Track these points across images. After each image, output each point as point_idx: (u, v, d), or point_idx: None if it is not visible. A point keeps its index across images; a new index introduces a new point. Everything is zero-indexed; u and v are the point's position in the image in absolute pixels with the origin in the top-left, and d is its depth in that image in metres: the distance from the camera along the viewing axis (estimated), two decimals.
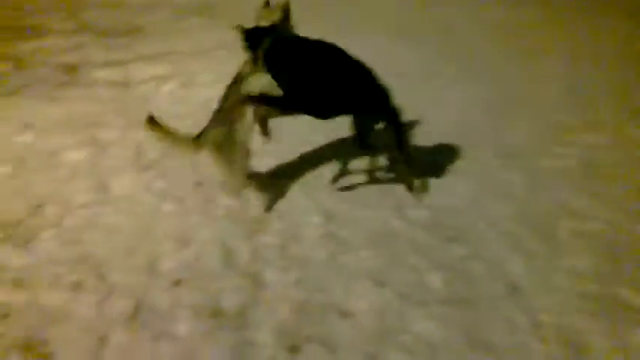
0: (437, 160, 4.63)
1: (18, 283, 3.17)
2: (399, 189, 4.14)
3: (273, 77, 3.31)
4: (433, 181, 4.28)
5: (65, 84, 6.46)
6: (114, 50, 7.81)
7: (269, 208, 3.90)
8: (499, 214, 3.95)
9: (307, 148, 4.79)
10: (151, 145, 4.46)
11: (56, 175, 4.37)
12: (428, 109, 5.58)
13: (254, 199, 3.97)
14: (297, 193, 4.14)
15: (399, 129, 3.64)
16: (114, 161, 4.60)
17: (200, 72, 6.81)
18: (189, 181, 4.26)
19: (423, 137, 4.98)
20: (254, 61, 3.38)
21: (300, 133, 4.85)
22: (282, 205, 3.99)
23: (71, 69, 6.99)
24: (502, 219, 3.89)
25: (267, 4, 3.54)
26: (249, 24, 3.52)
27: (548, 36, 8.99)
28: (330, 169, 4.41)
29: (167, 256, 3.45)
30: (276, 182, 4.23)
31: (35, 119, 5.40)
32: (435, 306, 3.08)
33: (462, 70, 7.15)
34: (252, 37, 3.37)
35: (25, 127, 5.19)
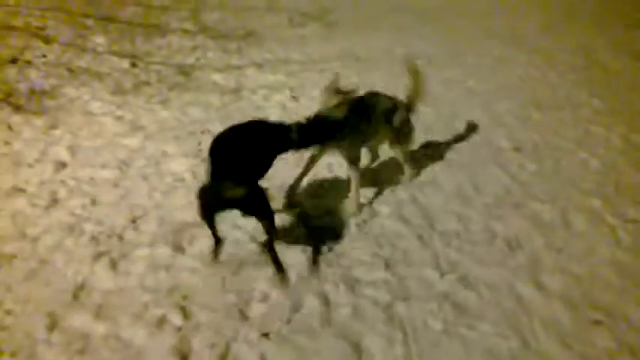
0: None
1: (100, 312, 2.88)
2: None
3: None
4: None
5: (179, 85, 6.34)
6: (229, 54, 7.66)
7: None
8: None
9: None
10: None
11: (158, 186, 4.13)
12: None
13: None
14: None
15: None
16: None
17: (310, 85, 6.44)
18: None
19: None
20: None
21: None
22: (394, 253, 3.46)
23: (186, 71, 6.89)
24: None
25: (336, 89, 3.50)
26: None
27: None
28: None
29: (259, 300, 3.02)
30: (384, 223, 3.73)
31: (145, 121, 5.27)
32: None
33: None
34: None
35: (134, 129, 5.05)
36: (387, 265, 3.25)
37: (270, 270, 3.09)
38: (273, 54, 7.77)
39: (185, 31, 8.61)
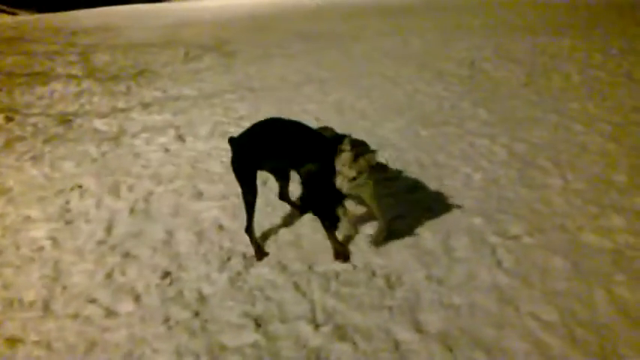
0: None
1: None
2: None
3: None
4: None
5: (57, 137, 5.78)
6: (116, 97, 7.15)
7: None
8: None
9: None
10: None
11: (13, 260, 3.60)
12: None
13: None
14: None
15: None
16: None
17: (200, 122, 6.06)
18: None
19: None
20: None
21: None
22: None
23: (68, 119, 6.33)
24: None
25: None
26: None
27: None
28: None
29: None
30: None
31: (12, 182, 4.72)
32: None
33: None
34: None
35: None
36: (258, 325, 2.90)
37: None
38: (164, 91, 7.36)
39: (71, 76, 8.03)
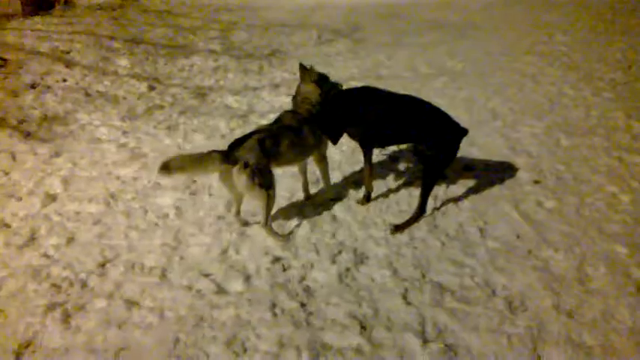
0: None
1: None
2: None
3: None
4: None
5: (191, 109, 6.05)
6: (249, 75, 7.35)
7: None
8: None
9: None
10: None
11: (139, 224, 3.80)
12: None
13: None
14: None
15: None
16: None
17: None
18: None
19: None
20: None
21: None
22: None
23: (203, 93, 6.61)
24: None
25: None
26: None
27: None
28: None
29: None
30: None
31: (147, 149, 5.01)
32: None
33: None
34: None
35: (133, 158, 4.79)
36: (363, 328, 2.76)
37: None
38: (294, 73, 7.37)
39: (211, 52, 8.39)
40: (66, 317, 2.87)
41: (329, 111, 3.65)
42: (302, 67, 3.71)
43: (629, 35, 9.01)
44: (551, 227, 3.59)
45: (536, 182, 4.18)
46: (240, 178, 3.21)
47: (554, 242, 3.41)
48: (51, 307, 2.93)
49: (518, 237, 3.48)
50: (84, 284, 3.14)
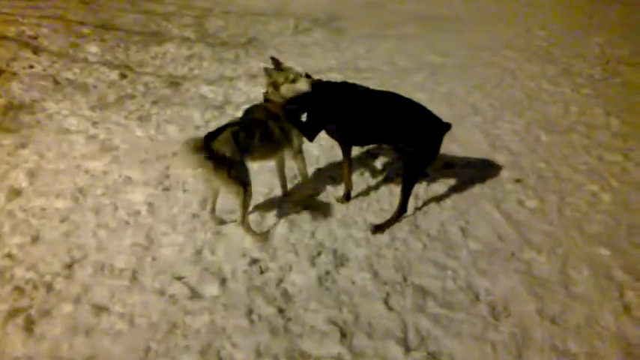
0: None
1: None
2: None
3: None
4: None
5: (164, 99, 5.83)
6: (224, 64, 7.13)
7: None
8: None
9: None
10: None
11: (109, 222, 3.62)
12: None
13: None
14: None
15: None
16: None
17: None
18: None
19: None
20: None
21: None
22: None
23: (177, 82, 6.39)
24: None
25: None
26: None
27: None
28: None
29: None
30: None
31: (118, 141, 4.79)
32: None
33: None
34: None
35: (103, 150, 4.57)
36: (344, 335, 2.66)
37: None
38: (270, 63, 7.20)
39: (184, 39, 8.12)
40: (29, 324, 2.70)
41: (306, 107, 3.51)
42: (267, 71, 3.47)
43: (607, 30, 9.08)
44: (532, 227, 3.54)
45: (517, 181, 4.14)
46: (217, 172, 3.07)
47: (536, 243, 3.36)
48: (13, 313, 2.76)
49: (500, 238, 3.43)
50: (49, 287, 2.96)
